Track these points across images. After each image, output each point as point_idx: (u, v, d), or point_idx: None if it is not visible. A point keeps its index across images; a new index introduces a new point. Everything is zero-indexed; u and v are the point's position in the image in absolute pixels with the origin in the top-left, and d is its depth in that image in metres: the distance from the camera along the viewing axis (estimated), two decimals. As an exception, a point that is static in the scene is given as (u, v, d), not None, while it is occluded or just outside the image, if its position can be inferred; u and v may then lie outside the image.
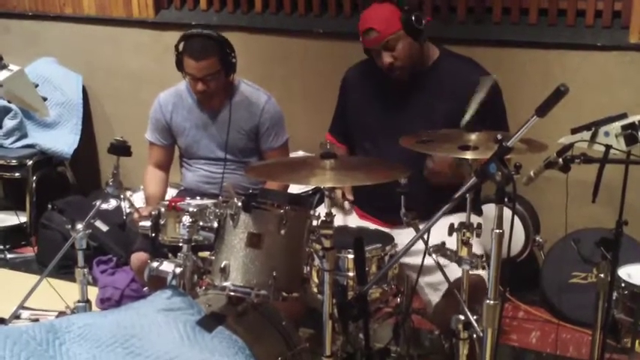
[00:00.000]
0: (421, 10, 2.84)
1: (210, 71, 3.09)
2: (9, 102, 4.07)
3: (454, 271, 2.35)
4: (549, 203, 3.70)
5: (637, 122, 2.58)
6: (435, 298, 2.71)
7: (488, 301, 1.96)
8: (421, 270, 2.35)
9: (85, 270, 2.79)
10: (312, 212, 2.43)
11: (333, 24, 4.10)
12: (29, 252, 4.39)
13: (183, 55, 3.11)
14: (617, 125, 2.57)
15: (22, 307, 2.95)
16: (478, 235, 2.28)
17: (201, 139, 3.30)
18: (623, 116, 2.64)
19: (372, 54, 2.83)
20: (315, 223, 2.36)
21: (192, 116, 3.29)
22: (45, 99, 3.08)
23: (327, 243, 2.25)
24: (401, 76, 2.82)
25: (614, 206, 2.60)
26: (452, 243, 2.31)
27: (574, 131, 2.67)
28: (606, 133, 2.57)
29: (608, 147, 2.53)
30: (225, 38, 3.17)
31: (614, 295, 2.68)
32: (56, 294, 3.17)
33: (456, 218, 2.31)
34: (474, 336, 2.25)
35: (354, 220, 2.93)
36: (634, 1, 3.42)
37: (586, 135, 2.62)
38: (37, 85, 3.02)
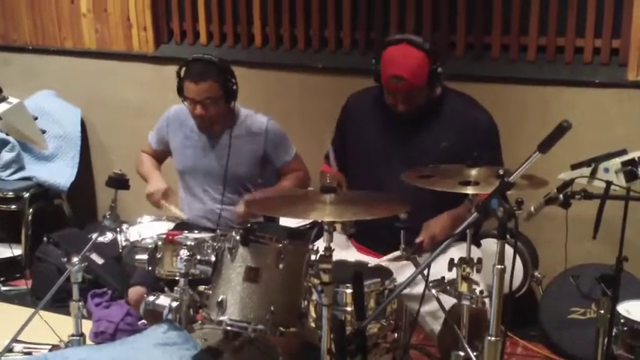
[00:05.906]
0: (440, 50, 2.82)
1: (209, 95, 3.07)
2: (7, 134, 4.06)
3: (450, 299, 2.35)
4: (548, 239, 3.68)
5: (637, 158, 2.59)
6: (436, 326, 2.68)
7: (489, 338, 1.94)
8: (422, 303, 2.34)
9: (80, 303, 2.76)
10: (310, 246, 2.41)
11: (332, 59, 4.12)
12: (23, 285, 4.34)
13: (184, 79, 3.10)
14: (617, 161, 2.57)
15: (15, 340, 2.92)
16: (478, 271, 2.27)
17: (198, 165, 3.26)
18: (623, 152, 2.64)
19: (384, 89, 2.82)
20: (313, 257, 2.34)
21: (193, 138, 3.27)
22: (44, 132, 3.07)
23: (325, 277, 2.23)
24: (406, 113, 2.83)
25: (613, 242, 2.59)
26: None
27: (574, 167, 2.67)
28: (606, 170, 2.57)
29: (608, 183, 2.53)
30: (227, 64, 3.16)
31: (614, 331, 2.66)
32: (50, 327, 3.13)
33: (456, 250, 2.29)
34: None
35: (352, 254, 2.91)
36: (632, 38, 3.45)
37: (586, 171, 2.62)
38: (36, 118, 3.01)
